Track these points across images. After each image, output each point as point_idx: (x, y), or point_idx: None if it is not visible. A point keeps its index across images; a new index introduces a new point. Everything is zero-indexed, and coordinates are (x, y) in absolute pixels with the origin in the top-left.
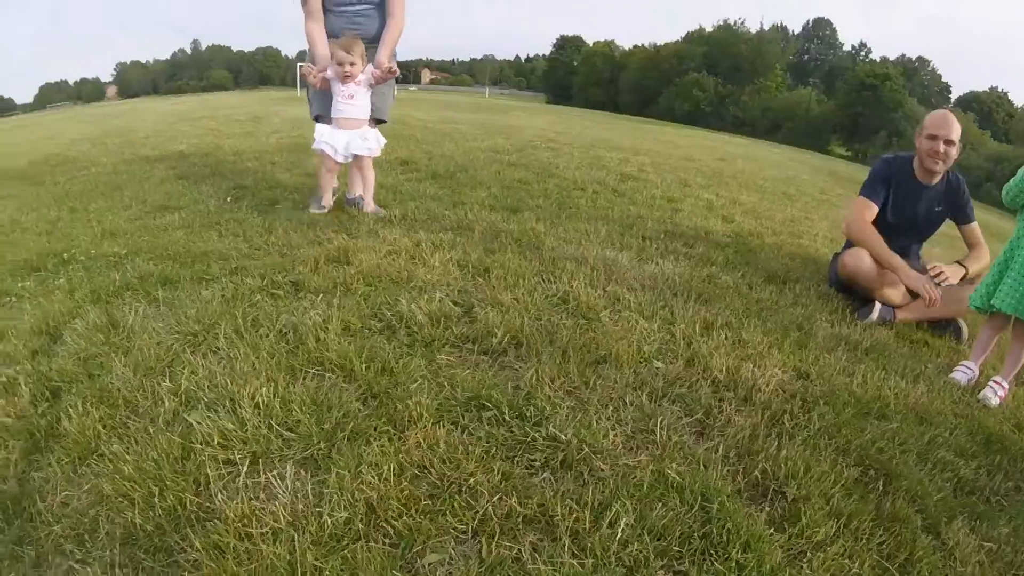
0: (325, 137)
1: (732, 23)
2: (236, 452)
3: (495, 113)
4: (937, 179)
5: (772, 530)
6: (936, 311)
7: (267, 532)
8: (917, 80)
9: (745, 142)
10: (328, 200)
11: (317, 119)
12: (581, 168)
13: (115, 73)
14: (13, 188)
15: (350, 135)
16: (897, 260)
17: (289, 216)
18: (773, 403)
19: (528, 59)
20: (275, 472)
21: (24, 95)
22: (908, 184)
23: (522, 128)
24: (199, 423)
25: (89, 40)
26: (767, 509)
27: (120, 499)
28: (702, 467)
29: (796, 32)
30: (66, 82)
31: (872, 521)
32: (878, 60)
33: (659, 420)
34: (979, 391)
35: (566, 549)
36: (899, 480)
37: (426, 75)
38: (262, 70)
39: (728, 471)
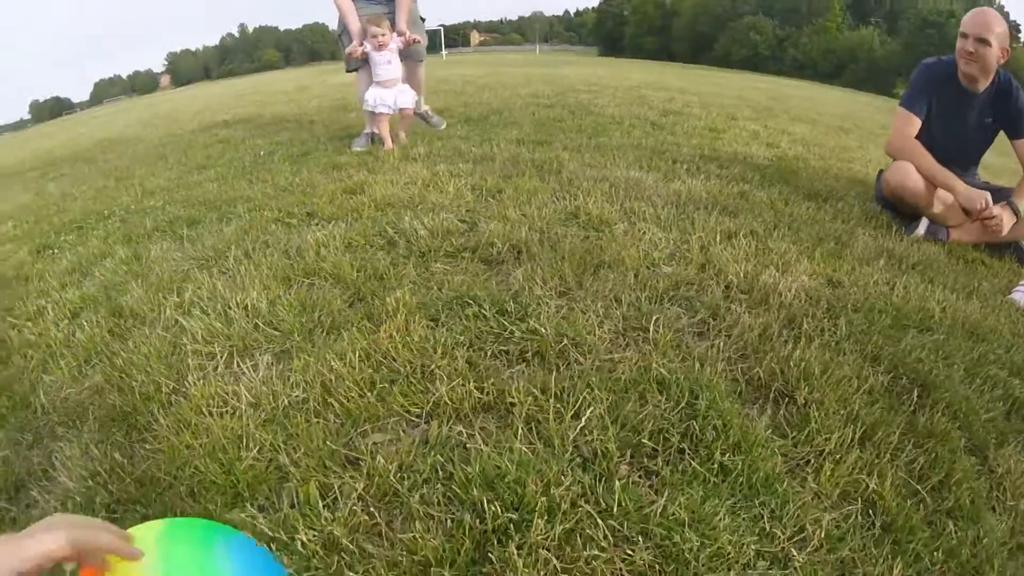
0: (378, 99)
1: None
2: (218, 347)
3: (543, 67)
4: (985, 85)
5: (772, 434)
6: (999, 228)
7: (227, 410)
8: None
9: (805, 84)
10: (388, 144)
11: (354, 71)
12: (621, 106)
13: (167, 63)
14: (67, 169)
15: (394, 92)
16: (947, 175)
17: (319, 161)
18: (793, 306)
19: (578, 13)
20: (251, 363)
21: (80, 93)
22: (952, 92)
23: (567, 76)
24: (189, 324)
25: (140, 33)
26: (769, 412)
27: (108, 387)
28: (697, 364)
29: None
30: (120, 76)
31: (901, 434)
32: None
33: (655, 319)
34: None
35: (519, 435)
36: (938, 392)
37: (475, 37)
38: (311, 46)
39: (727, 369)
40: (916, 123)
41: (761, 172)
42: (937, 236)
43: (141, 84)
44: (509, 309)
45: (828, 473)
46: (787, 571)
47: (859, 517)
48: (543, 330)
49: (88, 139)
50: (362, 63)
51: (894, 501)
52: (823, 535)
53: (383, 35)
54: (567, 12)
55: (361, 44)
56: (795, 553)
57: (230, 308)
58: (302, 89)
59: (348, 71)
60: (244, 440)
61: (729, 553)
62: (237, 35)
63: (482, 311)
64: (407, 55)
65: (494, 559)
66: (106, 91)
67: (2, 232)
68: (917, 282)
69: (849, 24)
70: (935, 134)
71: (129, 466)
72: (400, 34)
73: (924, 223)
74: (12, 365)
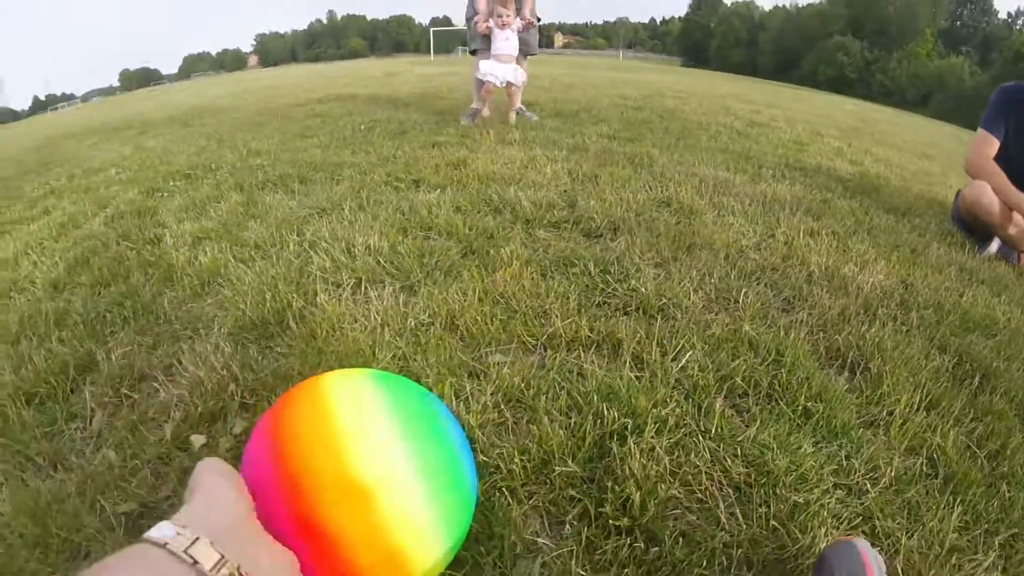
0: (490, 70)
1: None
2: (344, 276)
3: (627, 72)
4: None
5: (848, 392)
6: None
7: (357, 326)
8: None
9: (891, 111)
10: (485, 111)
11: (474, 52)
12: (708, 113)
13: (255, 43)
14: (164, 130)
15: (507, 68)
16: (1021, 197)
17: (418, 139)
18: (870, 296)
19: (663, 21)
20: (375, 292)
21: (170, 66)
22: None
23: (653, 83)
24: (316, 256)
25: (229, 11)
26: (846, 375)
27: (237, 300)
28: (781, 331)
29: None
30: (208, 53)
31: (963, 407)
32: None
33: (744, 292)
34: None
35: (627, 366)
36: (998, 380)
37: (559, 39)
38: (396, 37)
39: (809, 338)
40: (994, 143)
41: (843, 184)
42: (1008, 258)
43: (229, 62)
44: (612, 270)
45: (897, 428)
46: (863, 501)
47: (924, 467)
48: (643, 289)
49: (182, 106)
50: (483, 46)
51: (955, 458)
52: (893, 476)
53: (508, 15)
54: (653, 20)
55: (487, 21)
56: (869, 487)
57: (353, 247)
58: (391, 75)
59: (470, 51)
60: (378, 346)
61: (812, 477)
62: (325, 21)
63: (587, 269)
64: (522, 47)
65: (615, 452)
66: (195, 66)
67: (109, 176)
68: (985, 294)
69: (940, 52)
70: (1013, 156)
71: (263, 361)
72: (522, 18)
73: (996, 243)
74: (132, 280)
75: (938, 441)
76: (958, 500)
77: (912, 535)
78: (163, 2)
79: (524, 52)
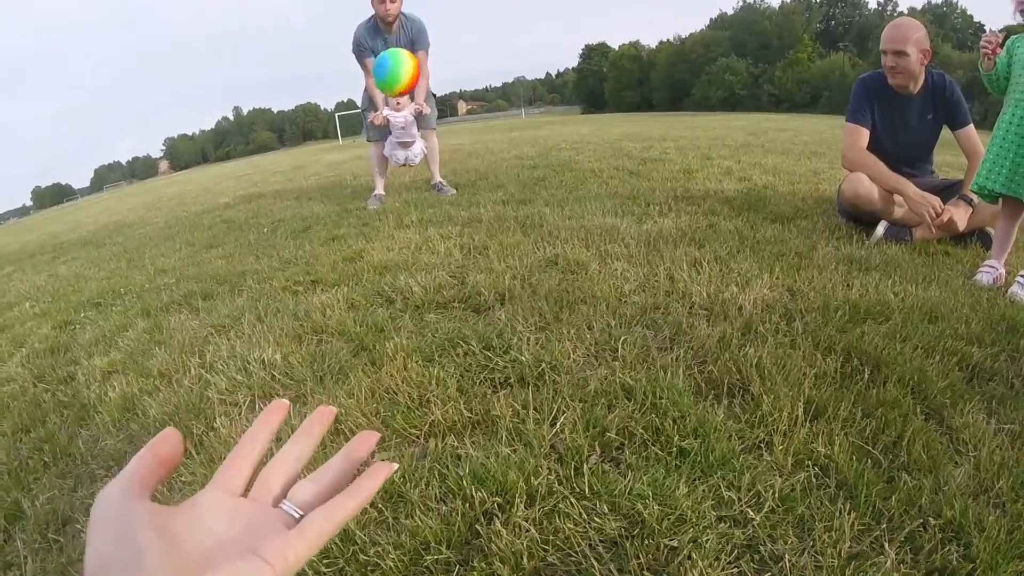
0: (391, 153)
1: (752, 2)
2: (240, 395)
3: (528, 129)
4: (918, 87)
5: (727, 420)
6: (955, 227)
7: None
8: (949, 25)
9: (783, 117)
10: (381, 191)
11: (372, 141)
12: (602, 159)
13: (164, 148)
14: (78, 252)
15: (407, 152)
16: (898, 180)
17: (319, 235)
18: (752, 315)
19: (559, 74)
20: None
21: (81, 179)
22: (889, 99)
23: (550, 136)
24: (214, 378)
25: (138, 119)
26: (725, 403)
27: (143, 435)
28: (660, 372)
29: None
30: (119, 162)
31: (851, 407)
32: (906, 12)
33: (623, 340)
34: (1007, 289)
35: (503, 442)
36: (889, 368)
37: (462, 106)
38: (304, 126)
39: (687, 373)
40: (864, 133)
41: (730, 204)
42: (900, 237)
43: (141, 169)
44: (494, 344)
45: (780, 446)
46: (747, 529)
47: (813, 480)
48: (523, 358)
49: (94, 224)
50: (378, 136)
51: (846, 462)
52: (778, 497)
53: (399, 101)
54: (548, 74)
55: (383, 111)
56: (753, 514)
57: (249, 364)
58: (298, 168)
59: (368, 140)
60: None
61: (689, 517)
62: (232, 118)
63: (471, 348)
64: (422, 124)
65: (482, 534)
66: (106, 177)
67: (24, 310)
68: (877, 279)
69: (820, 53)
70: (883, 141)
71: (170, 493)
72: (416, 106)
73: (883, 226)
74: (49, 423)
75: (824, 449)
76: (855, 506)
77: (803, 552)
78: (71, 116)
79: (424, 127)
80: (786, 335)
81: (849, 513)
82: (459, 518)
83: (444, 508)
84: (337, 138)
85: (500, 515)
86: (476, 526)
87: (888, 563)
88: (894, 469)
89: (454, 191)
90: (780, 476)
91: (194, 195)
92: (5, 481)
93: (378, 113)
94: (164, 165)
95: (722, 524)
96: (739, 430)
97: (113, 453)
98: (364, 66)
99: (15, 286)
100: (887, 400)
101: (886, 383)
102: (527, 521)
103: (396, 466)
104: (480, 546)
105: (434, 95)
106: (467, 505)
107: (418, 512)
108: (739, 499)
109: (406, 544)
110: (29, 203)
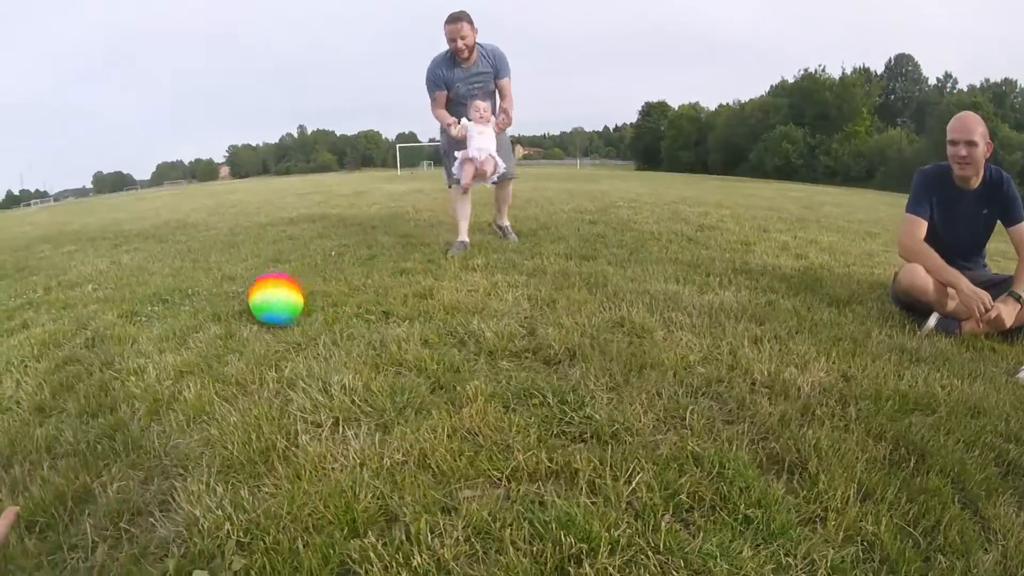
0: (476, 148)
1: (813, 71)
2: (323, 415)
3: (584, 181)
4: (976, 181)
5: (786, 494)
6: (1002, 323)
7: (337, 466)
8: (1008, 104)
9: (837, 191)
10: (465, 238)
11: (453, 185)
12: (660, 222)
13: (227, 154)
14: (140, 244)
15: (484, 144)
16: (952, 274)
17: (386, 266)
18: (810, 397)
19: (616, 128)
20: (352, 431)
21: (143, 172)
22: (949, 192)
23: (607, 192)
24: (295, 396)
25: (204, 123)
26: (784, 478)
27: (223, 440)
28: (725, 444)
29: (879, 72)
30: (182, 162)
31: (897, 491)
32: (965, 90)
33: (690, 409)
34: None
35: (583, 492)
36: (933, 459)
37: (519, 151)
38: (364, 151)
39: (750, 447)
40: (922, 224)
41: (788, 282)
42: (949, 329)
43: (201, 171)
44: (569, 399)
45: (833, 522)
46: None
47: (860, 554)
48: (597, 416)
49: (156, 218)
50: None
51: (890, 541)
52: (830, 566)
53: (485, 109)
54: (606, 127)
55: (459, 123)
56: None
57: (330, 386)
58: (359, 193)
59: (449, 185)
60: (358, 487)
61: None
62: (296, 135)
63: (546, 400)
64: (502, 175)
65: (573, 575)
66: (167, 173)
67: (86, 292)
68: (926, 371)
69: (878, 127)
70: (939, 232)
71: (254, 501)
72: (505, 114)
73: (934, 318)
74: (119, 411)
75: (872, 528)
76: None
77: None
78: (140, 110)
79: (507, 176)
80: (841, 419)
81: None
82: (549, 558)
83: (534, 548)
84: (396, 168)
85: (586, 560)
86: (566, 567)
87: None
88: (931, 550)
89: (517, 239)
90: (832, 548)
91: (256, 205)
92: (73, 462)
93: (454, 124)
94: (224, 171)
95: None
96: (796, 504)
97: (188, 453)
98: (434, 99)
99: (77, 266)
100: (929, 488)
101: (929, 472)
102: (611, 567)
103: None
104: None
105: (514, 141)
106: (556, 548)
107: (510, 550)
108: (796, 565)
109: None
110: (89, 185)
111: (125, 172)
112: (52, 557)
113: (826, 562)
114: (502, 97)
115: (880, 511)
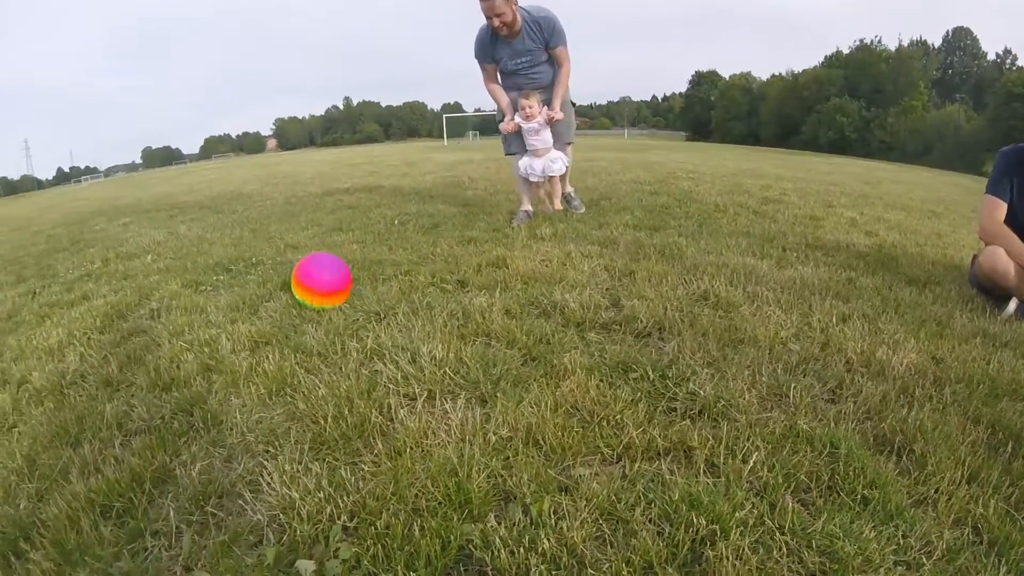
0: (527, 166)
1: (869, 42)
2: (416, 387)
3: (634, 152)
4: None
5: (898, 475)
6: None
7: (440, 442)
8: None
9: (894, 167)
10: (529, 207)
11: (511, 155)
12: (722, 194)
13: (274, 127)
14: (196, 214)
15: (543, 161)
16: None
17: (451, 234)
18: (905, 378)
19: (665, 98)
20: (449, 405)
21: (191, 146)
22: None
23: (661, 163)
24: (383, 367)
25: (250, 97)
26: (894, 459)
27: (312, 414)
28: (832, 423)
29: (936, 45)
30: (229, 135)
31: (999, 475)
32: None
33: (792, 387)
34: None
35: (701, 471)
36: None
37: None
38: (409, 123)
39: (857, 427)
40: (1003, 207)
41: (864, 259)
42: None
43: (249, 144)
44: (669, 374)
45: (944, 503)
46: (920, 573)
47: (970, 536)
48: (702, 392)
49: (208, 190)
50: (516, 149)
51: (997, 524)
52: (944, 548)
53: (531, 107)
54: (654, 97)
55: (512, 118)
56: (924, 561)
57: (419, 357)
58: (410, 164)
59: (507, 154)
60: (468, 465)
61: (875, 559)
62: (342, 107)
63: (646, 374)
64: (558, 135)
65: (708, 557)
66: (215, 147)
67: (146, 263)
68: (1010, 357)
69: (935, 102)
70: (1019, 216)
71: (356, 482)
72: (550, 110)
73: (1014, 303)
74: (194, 385)
75: (980, 511)
76: (1004, 561)
77: None
78: (187, 84)
79: (562, 141)
80: (939, 402)
81: (1000, 568)
82: (681, 540)
83: (664, 530)
84: (443, 139)
85: (721, 541)
86: (699, 549)
87: None
88: None
89: (583, 208)
90: (945, 529)
91: (309, 176)
92: (148, 440)
93: (507, 120)
94: (272, 143)
95: (900, 567)
96: (908, 485)
97: (274, 428)
98: (485, 71)
99: (133, 238)
100: None
101: None
102: (745, 548)
103: None
104: (705, 570)
105: (573, 103)
106: (688, 530)
107: (642, 532)
108: (914, 547)
109: (634, 562)
110: (139, 160)
111: (173, 147)
112: (132, 545)
113: (942, 543)
114: (558, 66)
115: (986, 494)
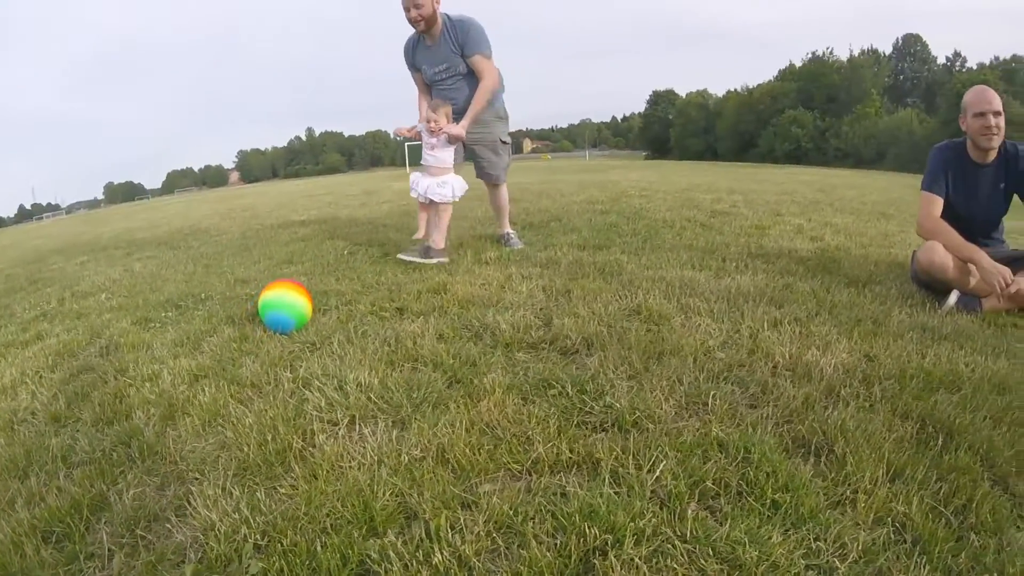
0: (414, 180)
1: (821, 54)
2: (339, 414)
3: (594, 172)
4: (992, 155)
5: (814, 477)
6: (1022, 298)
7: (354, 464)
8: (1019, 82)
9: (849, 173)
10: (420, 234)
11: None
12: (672, 209)
13: (236, 160)
14: (153, 251)
15: (430, 181)
16: (972, 250)
17: (398, 263)
18: (833, 378)
19: (624, 118)
20: (369, 429)
21: (153, 181)
22: (965, 168)
23: (618, 182)
24: (311, 395)
25: (212, 130)
26: (812, 461)
27: (239, 442)
28: (749, 428)
29: (887, 53)
30: (191, 169)
31: (927, 470)
32: (975, 68)
33: (712, 394)
34: None
35: (605, 483)
36: (961, 436)
37: (527, 145)
38: (372, 152)
39: (775, 431)
40: (939, 202)
41: (804, 264)
42: (970, 307)
43: (211, 177)
44: (588, 389)
45: (863, 504)
46: None
47: (892, 535)
48: (617, 405)
49: (168, 225)
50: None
51: (922, 521)
52: (861, 549)
53: (435, 121)
54: (614, 118)
55: (413, 128)
56: (838, 564)
57: (345, 384)
58: (369, 193)
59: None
60: (376, 485)
61: (782, 564)
62: (304, 138)
63: (565, 391)
64: (480, 171)
65: (598, 568)
66: (177, 181)
67: (99, 301)
68: (949, 349)
69: (888, 108)
70: (956, 209)
71: (270, 503)
72: (453, 129)
73: (954, 296)
74: (134, 418)
75: (903, 509)
76: (928, 560)
77: None
78: (148, 120)
79: (490, 181)
80: (866, 400)
81: (924, 567)
82: (573, 551)
83: (557, 541)
84: (405, 167)
85: (611, 552)
86: (591, 559)
87: None
88: (963, 529)
89: (522, 244)
90: (863, 530)
91: (267, 209)
92: (89, 470)
93: (404, 127)
94: (235, 176)
95: (811, 571)
96: (825, 487)
97: (204, 457)
98: (414, 80)
99: (89, 276)
100: (959, 466)
101: (958, 450)
102: (637, 558)
103: None
104: None
105: (506, 142)
106: (580, 540)
107: (533, 544)
108: (827, 550)
109: (523, 573)
110: (101, 196)
111: (136, 182)
112: (69, 567)
113: (857, 545)
114: (479, 78)
115: (910, 491)
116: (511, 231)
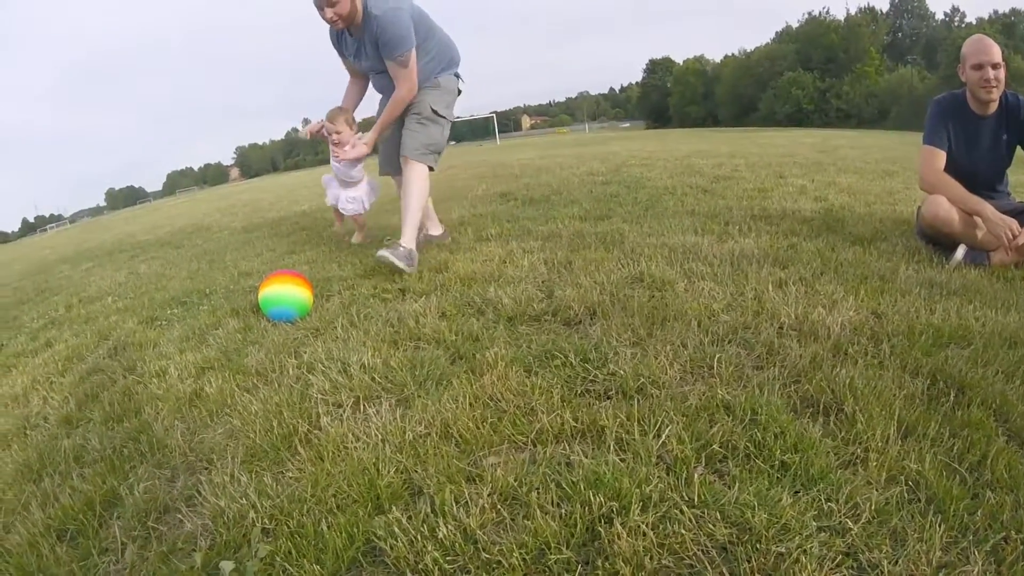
0: (326, 182)
1: (818, 14)
2: (343, 396)
3: (593, 145)
4: (993, 107)
5: (824, 437)
6: None
7: (359, 444)
8: (1018, 35)
9: (852, 133)
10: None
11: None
12: (673, 176)
13: (235, 156)
14: (157, 252)
15: (341, 192)
16: (976, 202)
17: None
18: (840, 337)
19: (622, 89)
20: (373, 409)
21: (154, 183)
22: (966, 120)
23: (618, 152)
24: (315, 379)
25: (210, 128)
26: (821, 421)
27: (245, 429)
28: (756, 390)
29: (884, 10)
30: (191, 168)
31: (939, 427)
32: (974, 23)
33: (718, 357)
34: None
35: (611, 450)
36: (974, 391)
37: (526, 121)
38: None
39: (782, 391)
40: (941, 155)
41: (809, 224)
42: (978, 261)
43: (212, 176)
44: (591, 357)
45: (875, 463)
46: (846, 539)
47: (905, 494)
48: (622, 372)
49: (170, 226)
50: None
51: (935, 479)
52: (874, 509)
53: (337, 133)
54: (612, 89)
55: (317, 131)
56: (851, 524)
57: (349, 366)
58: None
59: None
60: (381, 463)
61: (793, 526)
62: (301, 130)
63: (568, 360)
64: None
65: (604, 537)
66: (178, 182)
67: (106, 304)
68: (958, 304)
69: (888, 66)
70: (958, 162)
71: (277, 487)
72: (354, 142)
73: (962, 250)
74: (143, 414)
75: (916, 466)
76: (943, 519)
77: (897, 561)
78: (147, 123)
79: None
80: (874, 357)
81: (939, 526)
82: (578, 520)
83: (562, 511)
84: None
85: (618, 519)
86: (597, 527)
87: (975, 572)
88: (979, 486)
89: (409, 270)
90: (875, 490)
91: (268, 202)
92: (100, 468)
93: (312, 124)
94: (235, 172)
95: (823, 533)
96: (835, 447)
97: (213, 446)
98: (345, 67)
99: (95, 281)
100: (972, 422)
101: (970, 405)
102: (644, 524)
103: None
104: (601, 548)
105: (439, 114)
106: (585, 509)
107: (538, 514)
108: (838, 510)
109: (528, 543)
110: (103, 203)
111: (137, 186)
112: (84, 563)
113: (870, 504)
114: (394, 84)
115: (923, 448)
116: (406, 245)
